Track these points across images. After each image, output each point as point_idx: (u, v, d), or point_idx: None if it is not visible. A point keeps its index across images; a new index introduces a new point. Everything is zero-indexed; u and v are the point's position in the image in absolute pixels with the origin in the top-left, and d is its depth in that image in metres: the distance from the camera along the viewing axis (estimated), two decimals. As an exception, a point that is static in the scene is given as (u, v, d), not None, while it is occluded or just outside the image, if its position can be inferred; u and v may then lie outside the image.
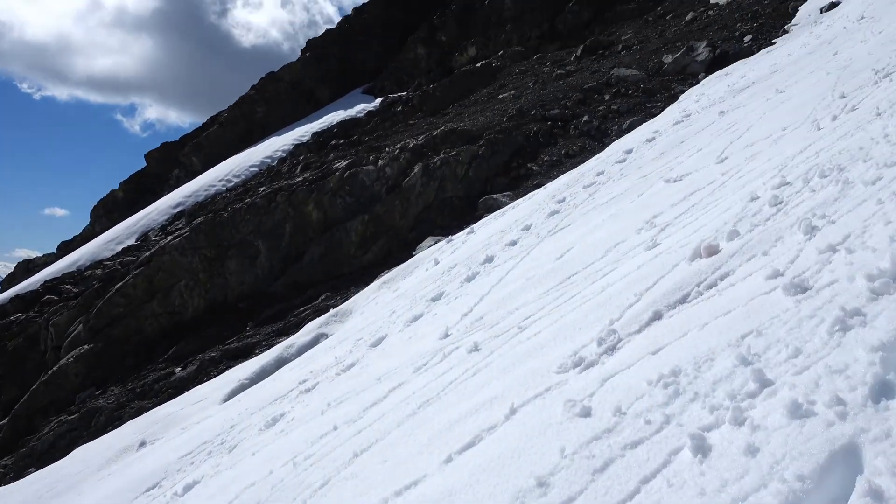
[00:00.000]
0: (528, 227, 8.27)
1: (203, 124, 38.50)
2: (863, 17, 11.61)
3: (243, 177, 25.43)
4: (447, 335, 5.53)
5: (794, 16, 17.04)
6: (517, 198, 11.65)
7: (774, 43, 14.85)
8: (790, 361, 2.40)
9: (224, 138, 34.27)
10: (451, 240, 10.50)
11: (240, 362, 10.39)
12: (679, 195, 6.12)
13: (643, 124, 12.44)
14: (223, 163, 28.65)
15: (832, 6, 15.52)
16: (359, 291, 10.75)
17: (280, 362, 8.91)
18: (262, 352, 10.35)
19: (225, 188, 24.59)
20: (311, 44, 39.08)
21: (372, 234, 14.20)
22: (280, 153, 27.19)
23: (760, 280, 3.26)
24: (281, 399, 6.81)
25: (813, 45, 11.48)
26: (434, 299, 7.33)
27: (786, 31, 15.72)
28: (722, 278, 3.61)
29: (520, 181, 13.52)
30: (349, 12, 41.24)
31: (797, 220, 3.75)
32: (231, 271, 14.49)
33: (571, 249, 6.23)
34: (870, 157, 4.26)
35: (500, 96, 20.95)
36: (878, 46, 8.41)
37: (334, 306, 10.73)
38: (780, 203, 4.29)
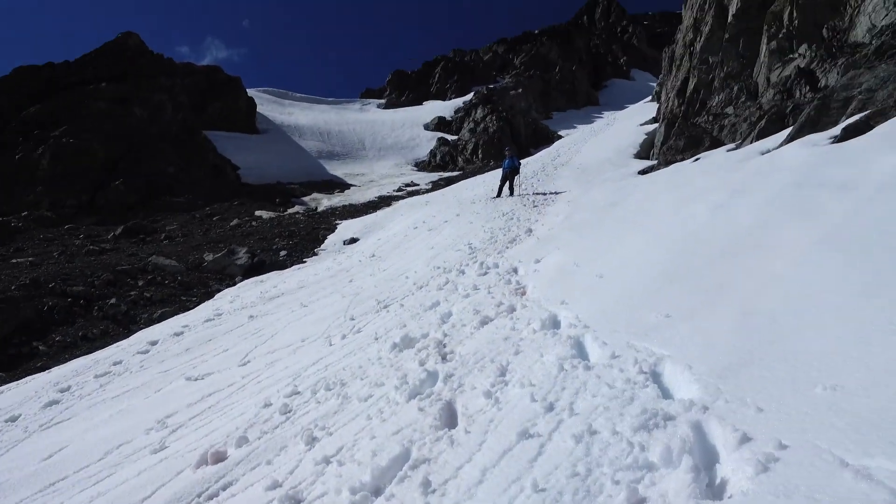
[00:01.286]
0: (14, 419, 6.92)
1: None
2: (374, 255, 13.98)
3: None
4: None
5: (323, 242, 19.55)
6: (11, 381, 9.80)
7: (305, 262, 16.62)
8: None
9: None
10: None
11: None
12: (198, 395, 5.97)
13: (175, 317, 12.15)
14: None
15: (353, 241, 18.38)
16: None
17: None
18: None
19: None
20: None
21: None
22: None
23: (260, 490, 3.28)
24: None
25: (335, 270, 13.19)
26: None
27: (315, 254, 17.82)
28: (225, 488, 3.52)
29: (20, 361, 11.47)
30: None
31: (302, 429, 3.98)
32: None
33: (66, 448, 5.38)
34: (366, 375, 4.88)
35: (15, 261, 18.24)
36: (382, 282, 10.10)
37: None
38: (290, 412, 4.53)
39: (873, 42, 13.76)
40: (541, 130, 51.86)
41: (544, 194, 17.80)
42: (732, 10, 21.92)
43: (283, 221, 24.63)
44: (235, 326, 9.38)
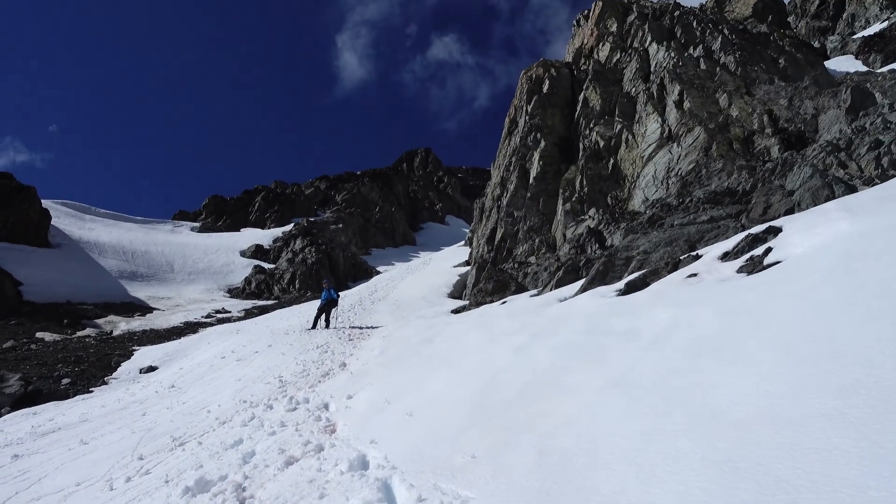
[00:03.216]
0: None
1: None
2: (173, 386, 12.91)
3: None
4: None
5: (116, 370, 17.75)
6: None
7: (92, 392, 14.92)
8: None
9: None
10: None
11: None
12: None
13: (-87, 456, 10.16)
14: None
15: (151, 369, 16.90)
16: None
17: None
18: None
19: None
20: None
21: None
22: None
23: None
24: None
25: (126, 402, 11.96)
26: None
27: (105, 383, 16.09)
28: None
29: None
30: None
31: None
32: None
33: None
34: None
35: None
36: (181, 416, 9.31)
37: None
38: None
39: (647, 212, 16.04)
40: (360, 265, 52.80)
41: (360, 328, 17.87)
42: (533, 173, 24.71)
43: (69, 345, 22.14)
44: (-6, 467, 8.05)
